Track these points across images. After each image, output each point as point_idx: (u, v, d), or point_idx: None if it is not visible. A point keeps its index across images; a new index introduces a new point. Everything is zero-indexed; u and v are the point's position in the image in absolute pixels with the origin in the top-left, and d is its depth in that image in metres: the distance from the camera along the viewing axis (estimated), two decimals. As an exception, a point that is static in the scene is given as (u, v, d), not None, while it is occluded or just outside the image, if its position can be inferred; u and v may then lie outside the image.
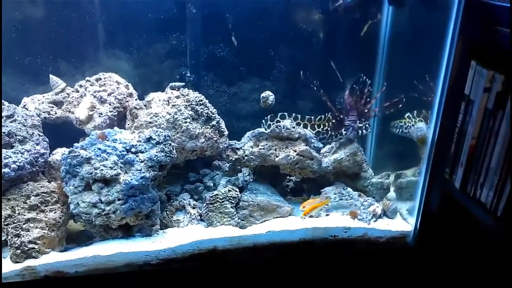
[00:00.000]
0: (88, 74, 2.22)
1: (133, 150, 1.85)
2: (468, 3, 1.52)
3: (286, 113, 2.28)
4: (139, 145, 1.86)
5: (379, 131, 2.50)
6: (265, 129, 2.23)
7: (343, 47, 2.40)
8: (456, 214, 1.69)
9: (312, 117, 2.29)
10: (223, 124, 2.21)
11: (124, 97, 2.13)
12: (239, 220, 2.04)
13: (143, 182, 1.80)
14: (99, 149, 1.80)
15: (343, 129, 2.21)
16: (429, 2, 2.02)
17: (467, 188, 1.60)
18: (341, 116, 2.21)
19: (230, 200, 2.03)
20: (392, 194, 2.35)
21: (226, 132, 2.22)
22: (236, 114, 2.48)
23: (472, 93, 1.52)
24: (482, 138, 1.50)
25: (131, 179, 1.79)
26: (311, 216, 2.08)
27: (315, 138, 2.18)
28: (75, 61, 2.23)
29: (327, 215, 2.11)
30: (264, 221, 2.08)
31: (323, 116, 2.29)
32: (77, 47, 2.20)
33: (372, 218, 2.09)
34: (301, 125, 2.27)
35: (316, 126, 2.29)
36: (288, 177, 2.33)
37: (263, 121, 2.29)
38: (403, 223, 2.12)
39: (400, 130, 2.36)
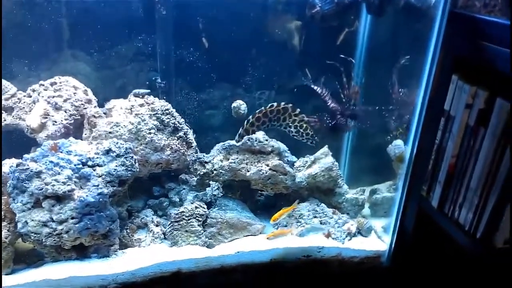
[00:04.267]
0: (44, 77, 2.05)
1: (89, 163, 1.71)
2: (451, 15, 1.48)
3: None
4: (97, 157, 1.72)
5: (353, 145, 2.45)
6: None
7: (319, 55, 2.33)
8: (432, 234, 1.65)
9: (263, 108, 2.20)
10: (191, 135, 2.10)
11: (82, 104, 1.98)
12: (206, 239, 1.93)
13: (100, 199, 1.67)
14: (51, 162, 1.65)
15: (346, 124, 2.15)
16: (410, 13, 1.97)
17: (445, 207, 1.56)
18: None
19: (197, 218, 1.91)
20: (367, 210, 2.30)
21: (195, 144, 2.12)
22: (207, 123, 2.37)
23: (452, 108, 1.48)
24: (462, 156, 1.45)
25: (87, 196, 1.65)
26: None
27: (288, 151, 2.09)
28: (30, 62, 2.06)
29: (299, 235, 2.03)
30: (233, 239, 1.98)
31: (274, 103, 2.20)
32: (33, 47, 2.03)
33: (346, 236, 2.03)
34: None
35: (269, 113, 2.20)
36: (259, 191, 2.23)
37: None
38: (378, 241, 2.06)
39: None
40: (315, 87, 2.16)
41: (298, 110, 2.22)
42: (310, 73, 2.18)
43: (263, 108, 2.19)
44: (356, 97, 2.13)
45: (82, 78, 2.11)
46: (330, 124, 2.14)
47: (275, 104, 2.19)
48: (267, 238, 1.98)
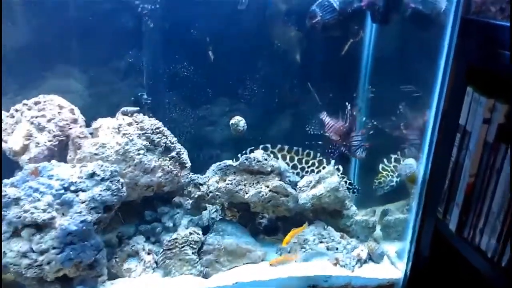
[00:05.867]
0: (33, 96, 1.98)
1: (72, 188, 1.62)
2: (464, 22, 1.41)
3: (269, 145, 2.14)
4: (80, 182, 1.64)
5: (362, 162, 2.35)
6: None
7: (321, 67, 2.26)
8: (451, 261, 1.56)
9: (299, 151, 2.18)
10: (185, 155, 2.02)
11: (67, 124, 1.90)
12: (202, 268, 1.84)
13: (84, 227, 1.58)
14: (30, 187, 1.57)
15: (350, 151, 2.09)
16: (418, 21, 1.90)
17: (464, 232, 1.46)
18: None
19: (191, 245, 1.82)
20: (378, 233, 2.20)
21: (189, 164, 2.04)
22: (203, 142, 2.30)
23: (468, 123, 1.39)
24: (481, 175, 1.36)
25: (69, 224, 1.56)
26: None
27: (290, 171, 1.99)
28: (16, 80, 1.99)
29: (303, 259, 1.92)
30: (232, 268, 1.89)
31: (311, 153, 2.18)
32: (19, 65, 1.96)
33: (356, 263, 1.92)
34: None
35: (304, 162, 2.18)
36: (261, 213, 2.14)
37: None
38: (391, 268, 1.96)
39: (386, 187, 2.23)
40: (321, 116, 2.12)
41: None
42: (311, 86, 2.11)
43: (300, 151, 2.18)
44: (354, 122, 2.08)
45: (72, 96, 2.04)
46: (332, 157, 2.10)
47: (311, 153, 2.18)
48: (270, 265, 1.89)
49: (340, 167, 2.17)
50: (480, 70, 1.36)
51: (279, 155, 2.16)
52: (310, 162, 2.17)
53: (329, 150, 2.07)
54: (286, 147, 2.17)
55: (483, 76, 1.33)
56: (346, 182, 2.14)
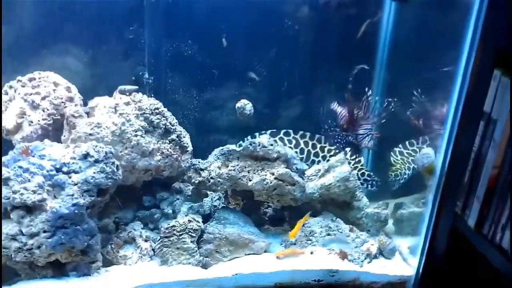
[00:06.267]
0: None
1: (64, 169, 1.57)
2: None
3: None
4: (73, 163, 1.58)
5: (374, 152, 2.27)
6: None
7: (336, 49, 2.17)
8: (468, 259, 1.47)
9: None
10: (187, 139, 1.96)
11: (62, 102, 1.84)
12: (201, 258, 1.78)
13: (76, 211, 1.52)
14: (20, 167, 1.51)
15: (357, 140, 2.05)
16: None
17: (484, 228, 1.36)
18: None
19: (190, 233, 1.76)
20: (390, 227, 2.12)
21: (190, 148, 1.97)
22: (208, 126, 2.23)
23: (494, 110, 1.29)
24: (506, 167, 1.25)
25: (60, 207, 1.51)
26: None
27: (298, 158, 1.91)
28: (15, 58, 1.92)
29: (311, 253, 1.85)
30: (233, 258, 1.83)
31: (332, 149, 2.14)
32: (19, 42, 1.91)
33: (365, 258, 1.85)
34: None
35: (326, 152, 2.13)
36: (266, 202, 2.07)
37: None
38: (403, 265, 1.89)
39: (401, 180, 2.15)
40: (332, 106, 2.08)
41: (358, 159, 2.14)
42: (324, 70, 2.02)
43: (322, 139, 2.13)
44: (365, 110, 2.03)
45: (70, 73, 1.98)
46: (340, 146, 2.07)
47: (332, 149, 2.13)
48: (277, 257, 1.83)
49: (362, 159, 2.10)
50: (509, 52, 1.25)
51: (301, 142, 2.10)
52: (333, 151, 2.11)
53: (336, 139, 2.02)
54: (308, 134, 2.12)
55: (513, 57, 1.23)
56: (364, 173, 2.06)
